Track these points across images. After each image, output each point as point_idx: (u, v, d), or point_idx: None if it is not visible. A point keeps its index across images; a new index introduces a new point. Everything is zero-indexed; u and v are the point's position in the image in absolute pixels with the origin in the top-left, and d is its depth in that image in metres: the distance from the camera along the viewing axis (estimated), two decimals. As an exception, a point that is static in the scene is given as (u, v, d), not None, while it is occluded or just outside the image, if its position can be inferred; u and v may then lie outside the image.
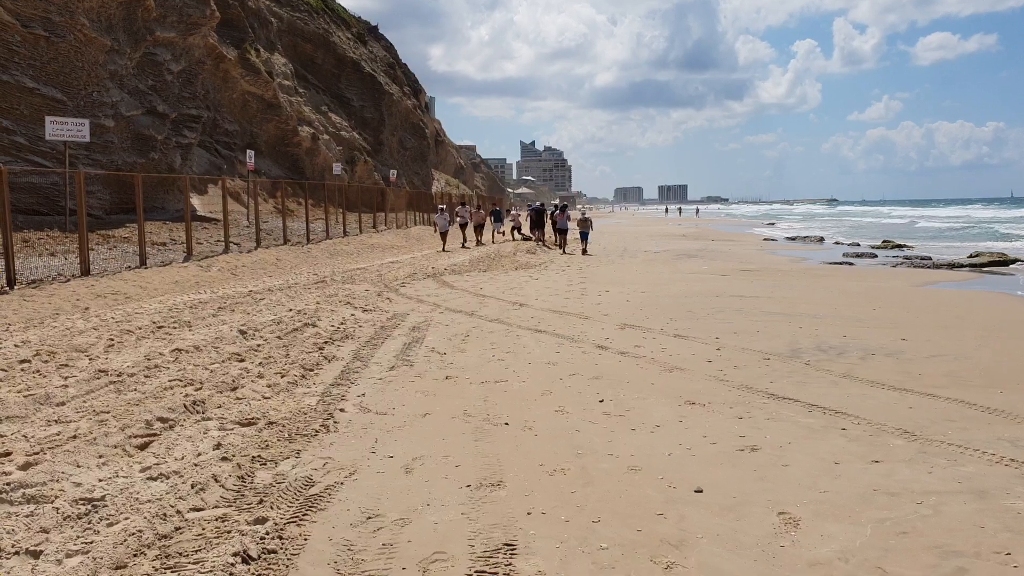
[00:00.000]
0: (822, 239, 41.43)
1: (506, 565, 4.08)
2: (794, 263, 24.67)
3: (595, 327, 11.45)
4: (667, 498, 4.99)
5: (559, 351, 9.74)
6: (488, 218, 38.05)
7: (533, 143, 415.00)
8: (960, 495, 4.98)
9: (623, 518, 4.67)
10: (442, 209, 32.44)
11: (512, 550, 4.25)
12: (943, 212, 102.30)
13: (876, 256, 28.19)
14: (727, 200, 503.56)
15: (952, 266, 23.45)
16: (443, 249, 29.93)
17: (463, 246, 32.27)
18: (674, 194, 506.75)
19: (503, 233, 38.16)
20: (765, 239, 42.26)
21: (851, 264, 24.60)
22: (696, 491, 5.10)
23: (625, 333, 10.93)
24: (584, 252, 28.43)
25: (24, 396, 7.21)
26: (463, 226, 34.64)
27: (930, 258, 26.33)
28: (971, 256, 26.65)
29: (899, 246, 34.15)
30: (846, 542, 4.34)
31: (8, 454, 5.65)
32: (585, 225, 29.92)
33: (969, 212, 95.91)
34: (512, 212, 42.04)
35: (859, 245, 34.92)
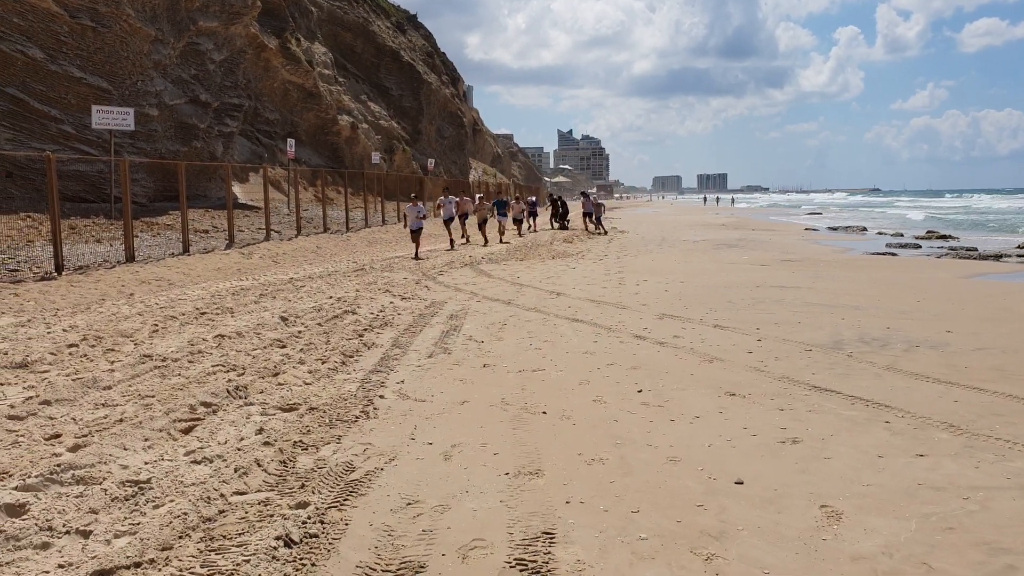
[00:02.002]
0: (864, 229, 40.77)
1: (545, 553, 4.09)
2: (836, 253, 24.32)
3: (633, 317, 11.39)
4: (707, 489, 4.95)
5: (597, 340, 9.71)
6: (492, 209, 30.15)
7: (570, 132, 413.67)
8: (1009, 491, 4.88)
9: (663, 509, 4.65)
10: (414, 198, 22.89)
11: (551, 538, 4.25)
12: (990, 202, 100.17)
13: (920, 247, 27.69)
14: (767, 189, 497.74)
15: (999, 257, 22.96)
16: (415, 256, 21.40)
17: (451, 249, 24.40)
18: (714, 183, 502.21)
19: (503, 232, 29.03)
20: (806, 229, 41.67)
21: (894, 255, 24.20)
22: (736, 483, 5.05)
23: (664, 323, 10.86)
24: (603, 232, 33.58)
25: (72, 379, 7.38)
26: (447, 221, 26.42)
27: (976, 249, 25.78)
28: (1019, 247, 26.06)
29: (944, 236, 33.48)
30: (890, 537, 4.28)
31: (58, 436, 5.79)
32: (599, 209, 34.95)
33: (1017, 203, 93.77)
34: (517, 203, 33.31)
35: (902, 235, 34.30)
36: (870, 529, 4.37)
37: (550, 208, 37.90)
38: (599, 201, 36.34)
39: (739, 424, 6.28)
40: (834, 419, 6.41)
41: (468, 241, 27.16)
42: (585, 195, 37.36)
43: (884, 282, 15.69)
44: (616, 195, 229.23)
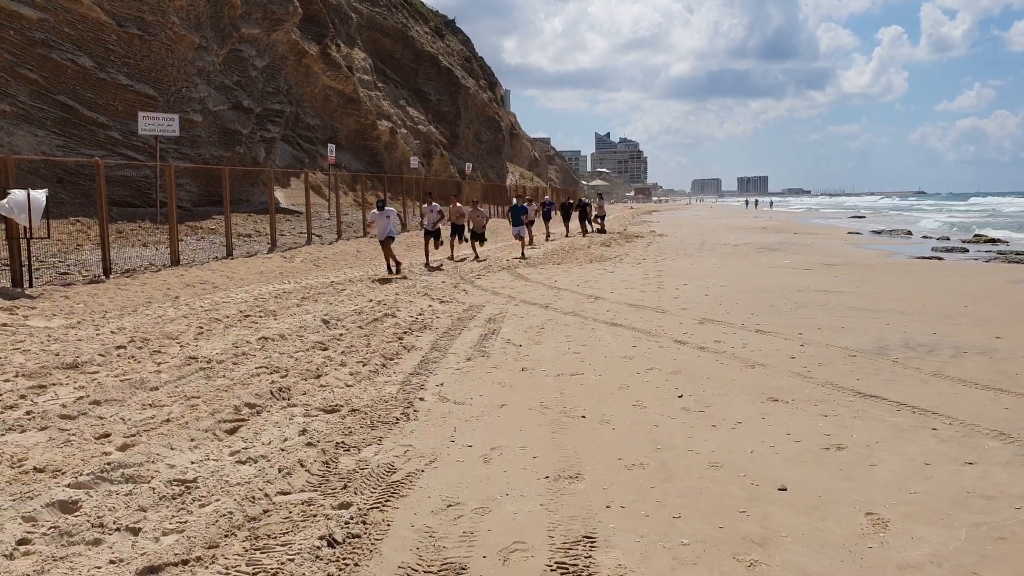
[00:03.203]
0: (909, 232, 40.06)
1: (586, 557, 4.09)
2: (880, 257, 23.94)
3: (673, 321, 11.33)
4: (750, 495, 4.91)
5: (636, 345, 9.67)
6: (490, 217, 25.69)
7: (608, 135, 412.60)
8: (1061, 501, 4.77)
9: (704, 514, 4.62)
10: (383, 204, 18.30)
11: (592, 542, 4.25)
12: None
13: (967, 251, 27.13)
14: (809, 192, 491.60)
15: (1050, 262, 22.42)
16: (389, 273, 17.73)
17: (428, 265, 20.05)
18: (754, 186, 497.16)
19: (524, 246, 24.56)
20: (849, 232, 41.06)
21: (940, 259, 23.76)
22: (780, 489, 5.00)
23: (704, 328, 10.78)
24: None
25: (121, 380, 7.53)
26: (430, 234, 20.88)
27: (1026, 253, 25.20)
28: (1071, 251, 25.42)
29: (992, 240, 32.76)
30: (939, 546, 4.20)
31: (107, 435, 5.91)
32: (600, 210, 36.59)
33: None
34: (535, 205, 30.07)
35: (948, 239, 33.67)
36: (918, 538, 4.30)
37: (576, 210, 35.47)
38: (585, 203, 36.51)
39: (782, 430, 6.22)
40: (879, 425, 6.31)
41: (453, 258, 21.87)
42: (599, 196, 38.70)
43: (930, 286, 15.42)
44: (654, 198, 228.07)
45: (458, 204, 23.26)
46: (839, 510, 4.68)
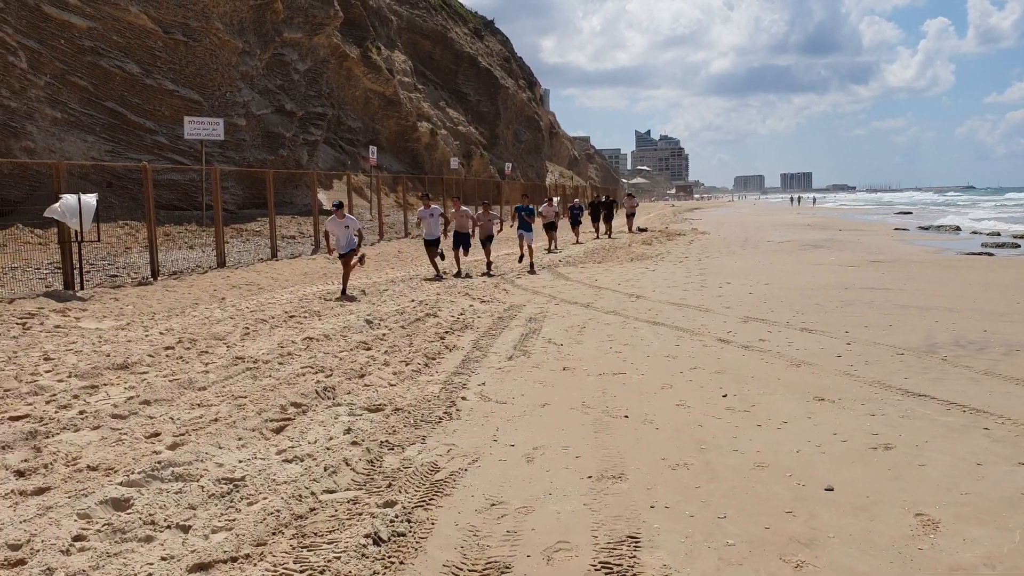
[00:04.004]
0: (958, 228, 39.20)
1: (630, 557, 4.07)
2: (928, 253, 23.48)
3: (716, 320, 11.23)
4: (796, 496, 4.85)
5: (679, 344, 9.61)
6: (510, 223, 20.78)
7: (648, 132, 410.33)
8: (1120, 502, 4.64)
9: (750, 515, 4.58)
10: (338, 207, 14.98)
11: (636, 542, 4.23)
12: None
13: (1019, 246, 26.48)
14: (854, 188, 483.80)
15: (1106, 257, 21.80)
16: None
17: (436, 276, 17.26)
18: (797, 182, 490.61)
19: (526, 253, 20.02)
20: (896, 228, 40.31)
21: (991, 255, 23.21)
22: (827, 489, 4.94)
23: (748, 326, 10.67)
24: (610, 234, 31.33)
25: (169, 380, 7.69)
26: (430, 243, 17.57)
27: (1081, 248, 24.53)
28: None
29: (1045, 236, 31.93)
30: (992, 548, 4.12)
31: (157, 434, 6.04)
32: (631, 208, 35.77)
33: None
34: (550, 205, 25.64)
35: (999, 235, 32.89)
36: (969, 539, 4.22)
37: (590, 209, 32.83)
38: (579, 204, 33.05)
39: (828, 430, 6.14)
40: (928, 425, 6.20)
41: (460, 273, 17.86)
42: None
43: (980, 283, 15.08)
44: (696, 196, 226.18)
45: (462, 207, 18.62)
46: (888, 511, 4.61)
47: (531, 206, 22.48)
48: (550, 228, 24.80)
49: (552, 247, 24.67)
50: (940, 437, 5.90)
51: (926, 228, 40.50)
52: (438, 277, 17.10)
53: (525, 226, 19.89)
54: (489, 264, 18.45)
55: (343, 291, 14.18)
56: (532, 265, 19.12)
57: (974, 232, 36.40)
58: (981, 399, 6.85)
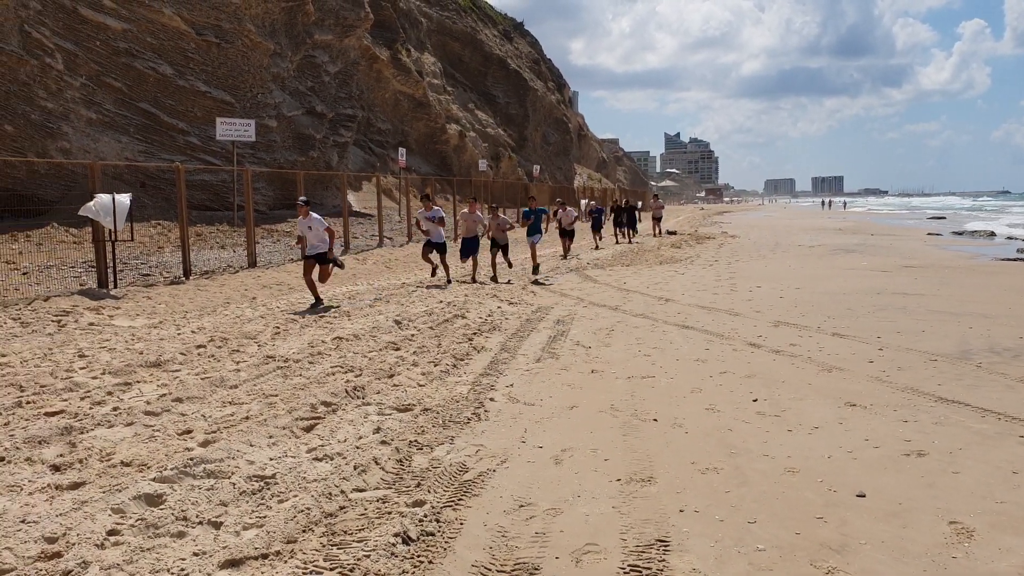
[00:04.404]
0: (993, 233, 38.61)
1: (659, 561, 4.06)
2: (962, 259, 23.14)
3: (747, 324, 11.15)
4: (827, 501, 4.81)
5: (708, 348, 9.55)
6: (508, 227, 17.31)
7: (678, 135, 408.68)
8: None
9: (780, 520, 4.54)
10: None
11: (665, 546, 4.21)
12: None
13: (1056, 252, 26.02)
14: (886, 192, 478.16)
15: None
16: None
17: (432, 282, 16.20)
18: (829, 186, 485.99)
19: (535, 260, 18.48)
20: (928, 233, 39.80)
21: (1027, 261, 22.84)
22: (858, 495, 4.89)
23: (779, 331, 10.59)
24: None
25: (201, 378, 7.77)
26: (432, 248, 16.08)
27: (1121, 255, 24.05)
28: None
29: (1084, 241, 31.32)
30: (1028, 557, 4.05)
31: (189, 431, 6.11)
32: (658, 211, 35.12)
33: None
34: (564, 210, 23.38)
35: (1036, 240, 32.33)
36: (1005, 548, 4.15)
37: (612, 214, 31.36)
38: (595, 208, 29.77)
39: (860, 435, 6.07)
40: (962, 432, 6.11)
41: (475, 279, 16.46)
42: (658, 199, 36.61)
43: (1016, 289, 14.84)
44: (726, 199, 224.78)
45: (476, 212, 17.03)
46: (920, 518, 4.55)
47: (541, 208, 20.59)
48: (565, 235, 23.17)
49: (567, 254, 23.03)
50: (974, 444, 5.81)
51: (960, 233, 39.95)
52: (439, 280, 15.79)
53: (531, 231, 19.07)
54: (507, 261, 17.66)
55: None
56: (536, 268, 18.15)
57: (1009, 238, 35.82)
58: (1017, 407, 6.74)
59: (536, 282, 16.87)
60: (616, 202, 35.19)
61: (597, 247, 26.96)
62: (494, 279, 16.70)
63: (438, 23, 52.51)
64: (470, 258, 16.60)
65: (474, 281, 16.28)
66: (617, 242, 29.60)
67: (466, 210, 16.93)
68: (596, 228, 28.19)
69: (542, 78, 67.54)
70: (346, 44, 33.33)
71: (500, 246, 16.93)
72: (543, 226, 19.58)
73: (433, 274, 16.60)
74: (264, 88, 27.23)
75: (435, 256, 16.15)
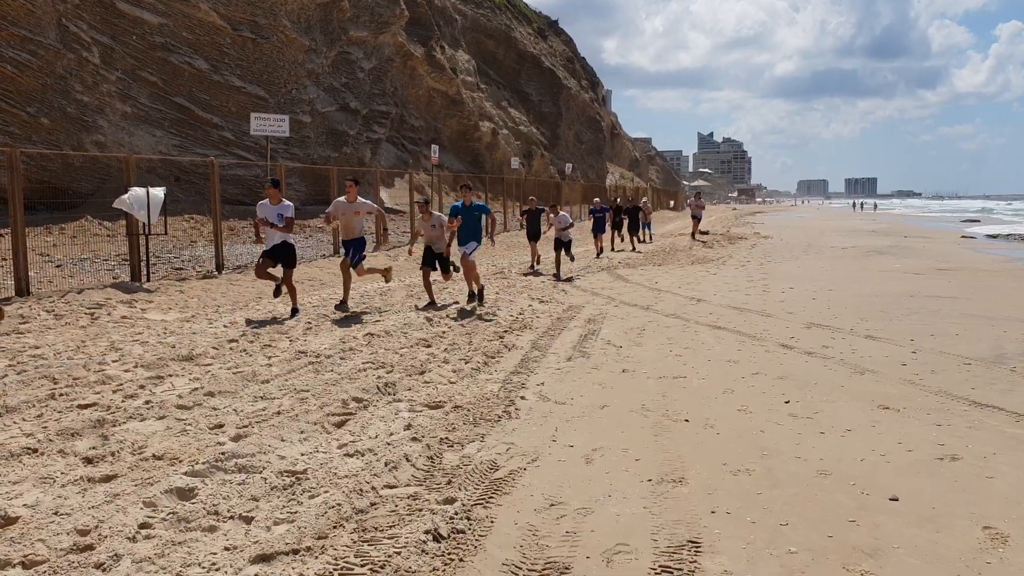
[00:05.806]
0: (1029, 237, 37.93)
1: (691, 562, 4.04)
2: (997, 262, 22.76)
3: (779, 325, 11.05)
4: (860, 505, 4.76)
5: (740, 349, 9.48)
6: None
7: (711, 134, 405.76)
8: None
9: (813, 523, 4.50)
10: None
11: (697, 547, 4.19)
12: None
13: (1098, 256, 25.50)
14: (919, 194, 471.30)
15: None
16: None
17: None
18: (862, 187, 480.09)
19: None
20: (963, 236, 39.17)
21: (1067, 264, 22.40)
22: (891, 499, 4.83)
23: (811, 332, 10.49)
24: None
25: (233, 373, 7.85)
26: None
27: None
28: None
29: (1126, 245, 30.66)
30: (1067, 567, 3.98)
31: (221, 426, 6.17)
32: (698, 210, 32.77)
33: None
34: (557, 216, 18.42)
35: (1076, 244, 31.69)
36: (1043, 557, 4.08)
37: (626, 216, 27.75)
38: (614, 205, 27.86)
39: (893, 439, 6.00)
40: (997, 436, 6.02)
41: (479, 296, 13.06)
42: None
43: (1056, 293, 14.57)
44: (758, 199, 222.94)
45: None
46: (954, 522, 4.49)
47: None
48: (560, 246, 17.94)
49: (557, 269, 17.81)
50: (1009, 449, 5.72)
51: (994, 236, 39.27)
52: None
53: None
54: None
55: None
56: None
57: (1048, 241, 35.13)
58: (1056, 413, 6.62)
59: (568, 279, 17.09)
60: (615, 200, 31.96)
61: (599, 254, 23.66)
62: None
63: (472, 21, 52.55)
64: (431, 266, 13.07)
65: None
66: (613, 248, 25.87)
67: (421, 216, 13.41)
68: (597, 231, 24.06)
69: (575, 76, 67.36)
70: (381, 41, 33.48)
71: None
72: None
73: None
74: (298, 84, 27.43)
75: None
